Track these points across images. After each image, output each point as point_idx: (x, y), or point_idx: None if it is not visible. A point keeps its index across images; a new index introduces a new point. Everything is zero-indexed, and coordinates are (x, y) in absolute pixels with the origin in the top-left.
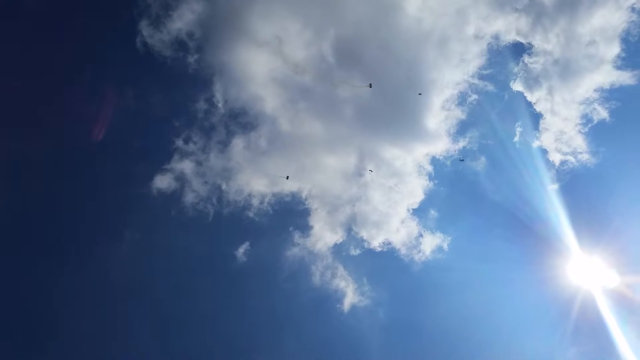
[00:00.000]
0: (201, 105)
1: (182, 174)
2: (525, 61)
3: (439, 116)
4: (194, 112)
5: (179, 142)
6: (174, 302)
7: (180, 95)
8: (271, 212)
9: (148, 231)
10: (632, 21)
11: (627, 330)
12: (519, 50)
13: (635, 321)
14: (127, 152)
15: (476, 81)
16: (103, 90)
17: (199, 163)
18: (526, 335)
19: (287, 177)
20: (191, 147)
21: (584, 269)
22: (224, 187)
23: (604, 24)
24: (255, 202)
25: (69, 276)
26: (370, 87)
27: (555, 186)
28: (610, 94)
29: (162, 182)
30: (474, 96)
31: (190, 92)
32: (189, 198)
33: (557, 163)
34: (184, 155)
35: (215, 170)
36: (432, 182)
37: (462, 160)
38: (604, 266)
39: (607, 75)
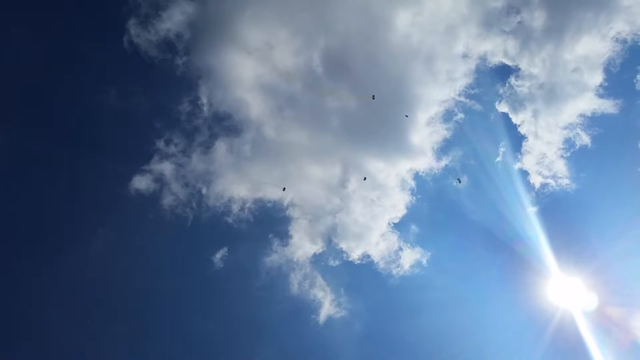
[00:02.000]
0: (185, 107)
1: (162, 176)
2: (512, 83)
3: (423, 132)
4: (178, 114)
5: (161, 144)
6: (147, 305)
7: (164, 96)
8: (251, 218)
9: (124, 231)
10: (615, 51)
11: (605, 352)
12: (506, 72)
13: (614, 342)
14: (106, 150)
15: (462, 100)
16: (86, 87)
17: (180, 165)
18: (504, 354)
19: (284, 189)
20: (172, 149)
21: (564, 290)
22: (204, 191)
23: (588, 52)
24: (235, 207)
25: (42, 272)
26: (374, 98)
27: (534, 209)
28: (593, 122)
29: (141, 183)
30: (460, 115)
31: (175, 94)
32: (168, 200)
33: (537, 186)
34: (165, 157)
35: (196, 173)
36: (414, 198)
37: (459, 181)
38: (583, 288)
39: (589, 103)
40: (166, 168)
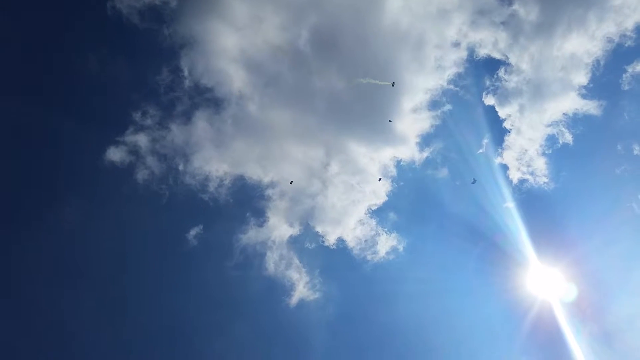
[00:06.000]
0: (165, 77)
1: (138, 148)
2: (500, 76)
3: (408, 120)
4: (157, 85)
5: (138, 115)
6: (119, 279)
7: (145, 65)
8: (229, 196)
9: (97, 203)
10: (604, 51)
11: (581, 341)
12: (495, 64)
13: (590, 331)
14: (80, 118)
15: (449, 89)
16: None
17: (156, 139)
18: (481, 343)
19: (291, 182)
20: (149, 121)
21: (542, 281)
22: (180, 166)
23: (576, 50)
24: (212, 184)
25: (13, 240)
26: (393, 85)
27: (512, 203)
28: (575, 121)
29: (115, 154)
30: (446, 104)
31: (155, 64)
32: (143, 175)
33: (515, 181)
34: (141, 129)
35: (173, 147)
36: (395, 185)
37: (474, 181)
38: (561, 279)
39: (573, 102)
40: (141, 140)
